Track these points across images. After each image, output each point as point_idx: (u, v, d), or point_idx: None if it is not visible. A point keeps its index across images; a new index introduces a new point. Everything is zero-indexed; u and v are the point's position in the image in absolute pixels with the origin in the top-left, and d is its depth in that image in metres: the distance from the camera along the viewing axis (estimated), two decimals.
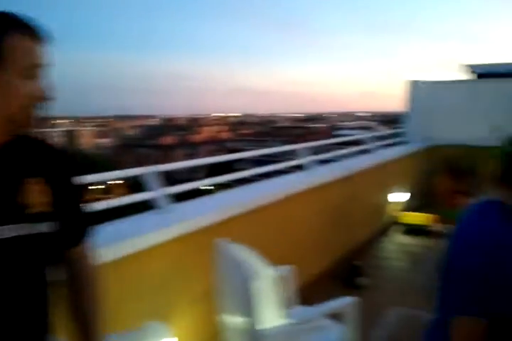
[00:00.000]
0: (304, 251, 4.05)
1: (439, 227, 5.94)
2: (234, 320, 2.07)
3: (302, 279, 3.95)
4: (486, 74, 8.63)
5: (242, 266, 1.93)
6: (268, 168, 4.24)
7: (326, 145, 5.64)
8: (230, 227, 3.02)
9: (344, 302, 2.31)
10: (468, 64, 8.68)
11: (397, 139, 7.69)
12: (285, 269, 2.68)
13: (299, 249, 3.96)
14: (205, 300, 2.58)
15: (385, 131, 8.58)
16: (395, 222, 6.09)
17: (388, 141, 7.35)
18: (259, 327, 1.91)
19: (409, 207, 6.28)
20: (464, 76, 9.07)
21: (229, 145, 57.06)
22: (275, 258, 3.23)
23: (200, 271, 2.65)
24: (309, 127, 69.84)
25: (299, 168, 4.58)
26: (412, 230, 5.87)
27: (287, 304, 2.75)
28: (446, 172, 6.41)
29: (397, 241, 5.65)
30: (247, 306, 1.92)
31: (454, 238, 1.37)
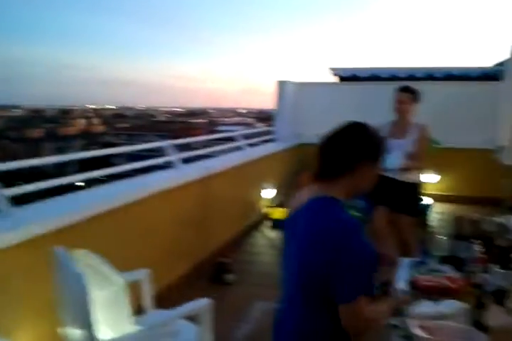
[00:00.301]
0: (168, 251, 3.96)
1: None
2: (74, 333, 1.94)
3: (166, 281, 3.89)
4: (348, 77, 9.26)
5: (77, 276, 1.80)
6: (135, 164, 4.09)
7: (202, 141, 5.63)
8: (83, 230, 2.84)
9: (199, 304, 2.29)
10: (333, 67, 9.23)
11: (268, 137, 7.93)
12: (140, 273, 2.59)
13: (162, 249, 3.86)
14: (51, 312, 2.39)
15: (259, 128, 8.79)
16: (266, 217, 6.27)
17: (259, 139, 7.55)
18: (100, 338, 1.80)
19: (277, 202, 6.50)
20: (332, 78, 9.65)
21: (104, 139, 54.46)
22: (134, 262, 3.11)
23: (44, 282, 2.44)
24: (189, 122, 69.37)
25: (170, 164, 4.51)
26: (280, 224, 6.08)
27: (145, 309, 2.68)
28: (309, 169, 6.77)
29: (266, 236, 5.82)
30: (85, 317, 1.80)
31: (305, 235, 1.50)
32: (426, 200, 6.70)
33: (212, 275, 4.26)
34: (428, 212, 6.56)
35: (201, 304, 2.27)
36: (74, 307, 1.84)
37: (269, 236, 5.84)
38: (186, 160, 4.66)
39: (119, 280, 1.99)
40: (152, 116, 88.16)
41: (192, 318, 2.39)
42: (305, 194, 1.60)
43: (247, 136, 6.71)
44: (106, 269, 2.08)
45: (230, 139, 6.41)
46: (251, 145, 6.79)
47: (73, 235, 2.76)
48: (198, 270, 4.38)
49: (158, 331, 2.14)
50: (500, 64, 7.51)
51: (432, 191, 7.57)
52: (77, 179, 3.38)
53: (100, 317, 2.30)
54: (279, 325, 1.72)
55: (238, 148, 6.30)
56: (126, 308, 2.06)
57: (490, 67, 8.97)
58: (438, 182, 7.79)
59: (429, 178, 7.70)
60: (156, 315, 2.50)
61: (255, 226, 5.98)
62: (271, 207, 6.31)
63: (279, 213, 6.15)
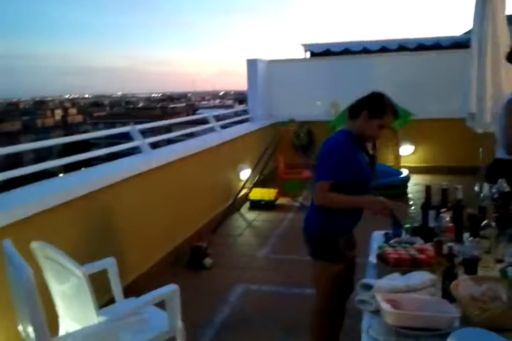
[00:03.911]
0: (142, 238, 3.87)
1: (282, 200, 6.20)
2: (27, 329, 1.85)
3: (142, 268, 3.82)
4: (320, 53, 9.14)
5: (22, 268, 1.71)
6: (99, 152, 3.99)
7: (181, 123, 5.53)
8: (45, 221, 2.74)
9: (166, 290, 2.22)
10: (304, 43, 9.09)
11: (243, 117, 7.83)
12: (106, 262, 2.50)
13: (135, 236, 3.78)
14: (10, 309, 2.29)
15: (232, 109, 8.69)
16: (245, 198, 6.21)
17: (233, 120, 7.45)
18: (58, 334, 1.72)
19: (255, 183, 6.43)
20: (304, 55, 9.51)
21: (82, 129, 53.55)
22: (104, 251, 3.03)
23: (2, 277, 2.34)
24: (168, 107, 68.48)
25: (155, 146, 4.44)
26: (258, 205, 6.04)
27: (116, 298, 2.61)
28: (287, 148, 6.71)
29: (245, 217, 5.77)
30: (34, 311, 1.71)
31: (323, 147, 2.31)
32: (404, 172, 6.71)
33: (190, 260, 4.20)
34: (407, 184, 6.56)
35: (168, 290, 2.20)
36: (23, 301, 1.75)
37: (247, 217, 5.78)
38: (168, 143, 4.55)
39: (79, 271, 1.90)
40: (130, 103, 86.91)
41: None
42: None
43: (220, 118, 6.60)
44: (66, 261, 1.98)
45: (204, 122, 6.30)
46: (225, 126, 6.69)
47: (35, 226, 2.65)
48: (175, 255, 4.32)
49: (124, 320, 2.07)
50: (469, 32, 7.47)
51: (408, 163, 7.58)
52: (41, 168, 3.24)
53: (63, 310, 2.23)
54: None
55: (212, 130, 6.20)
56: (89, 300, 1.97)
57: (460, 36, 8.92)
58: (413, 153, 7.80)
59: (405, 150, 7.72)
60: (123, 305, 2.42)
61: (235, 207, 5.91)
62: (248, 187, 6.24)
63: (256, 193, 6.09)
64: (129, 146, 4.22)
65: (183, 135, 5.69)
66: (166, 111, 60.39)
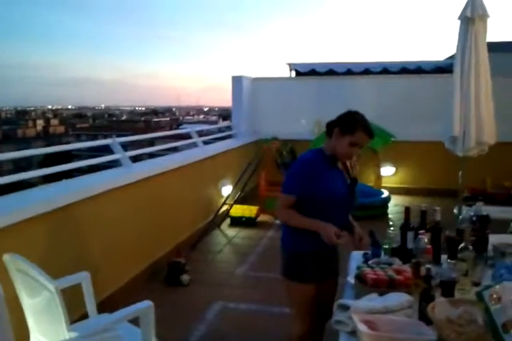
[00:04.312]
0: (119, 253, 3.80)
1: (263, 218, 6.18)
2: None
3: (118, 284, 3.74)
4: (305, 72, 9.26)
5: None
6: (78, 163, 3.94)
7: (164, 138, 5.50)
8: (17, 233, 2.68)
9: (140, 306, 2.17)
10: (289, 62, 9.21)
11: (227, 133, 7.84)
12: (80, 276, 2.44)
13: (111, 251, 3.71)
14: None
15: (216, 125, 8.71)
16: (226, 215, 6.17)
17: (217, 135, 7.45)
18: None
19: (236, 199, 6.41)
20: (290, 74, 9.63)
21: (64, 140, 52.99)
22: (77, 265, 2.96)
23: None
24: (152, 121, 68.27)
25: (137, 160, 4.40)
26: (239, 222, 6.01)
27: (90, 313, 2.54)
28: (269, 165, 6.72)
29: (225, 234, 5.72)
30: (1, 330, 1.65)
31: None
32: (384, 193, 6.76)
33: (167, 276, 4.13)
34: (387, 205, 6.61)
35: (142, 306, 2.15)
36: None
37: (228, 234, 5.74)
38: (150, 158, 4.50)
39: (51, 285, 1.85)
40: (114, 115, 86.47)
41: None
42: None
43: (203, 133, 6.60)
44: (38, 274, 1.93)
45: (188, 137, 6.29)
46: (208, 142, 6.69)
47: (9, 238, 2.59)
48: (153, 271, 4.25)
49: (96, 337, 2.01)
50: (452, 57, 7.66)
51: (389, 184, 7.65)
52: (19, 178, 3.17)
53: (33, 324, 2.16)
54: None
55: (195, 145, 6.19)
56: (61, 314, 1.92)
57: (442, 61, 9.15)
58: (394, 174, 7.88)
59: (386, 171, 7.79)
60: (96, 320, 2.36)
61: (214, 224, 5.87)
62: (229, 204, 6.21)
63: (237, 210, 6.06)
64: (109, 159, 4.17)
65: (165, 149, 5.67)
66: (149, 125, 60.18)
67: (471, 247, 2.17)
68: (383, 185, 7.38)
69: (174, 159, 5.29)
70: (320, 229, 2.17)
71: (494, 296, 1.60)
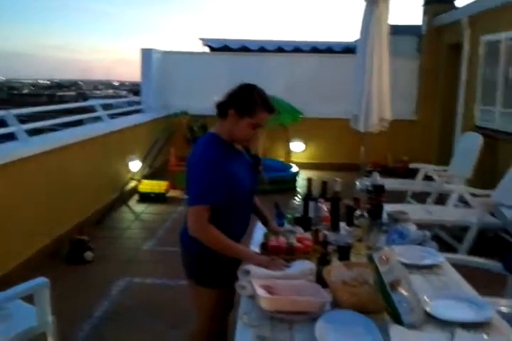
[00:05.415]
0: (14, 229, 3.57)
1: (173, 193, 6.10)
2: None
3: (15, 262, 3.52)
4: (218, 48, 9.15)
5: None
6: None
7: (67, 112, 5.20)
8: None
9: (34, 283, 2.06)
10: (203, 37, 9.05)
11: (136, 107, 7.59)
12: None
13: (10, 227, 3.50)
14: None
15: (123, 98, 8.40)
16: (134, 191, 6.01)
17: (124, 109, 7.18)
18: None
19: (145, 175, 6.26)
20: (202, 49, 9.47)
21: None
22: None
23: None
24: (57, 95, 64.17)
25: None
26: (148, 198, 5.87)
27: None
28: (179, 141, 6.61)
29: (133, 210, 5.58)
30: None
31: (192, 154, 1.96)
32: (294, 168, 6.96)
33: (69, 254, 3.95)
34: (296, 179, 6.80)
35: (36, 283, 2.04)
36: None
37: (136, 210, 5.60)
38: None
39: None
40: (14, 88, 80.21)
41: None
42: None
43: (109, 108, 6.32)
44: None
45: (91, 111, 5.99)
46: (114, 117, 6.42)
47: None
48: (54, 249, 4.04)
49: None
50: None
51: (299, 159, 7.88)
52: None
53: None
54: None
55: (100, 119, 5.90)
56: None
57: (352, 42, 9.46)
58: (304, 150, 8.12)
59: (296, 147, 8.01)
60: None
61: (121, 199, 5.69)
62: (138, 179, 6.05)
63: (146, 186, 5.92)
64: (3, 132, 3.86)
65: (69, 124, 5.35)
66: (53, 99, 56.55)
67: (366, 214, 2.29)
68: (294, 160, 7.57)
69: (76, 133, 5.01)
70: (252, 261, 1.89)
71: (383, 258, 1.69)
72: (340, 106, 6.84)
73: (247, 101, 1.91)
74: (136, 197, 5.97)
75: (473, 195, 4.48)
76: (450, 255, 2.46)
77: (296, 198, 2.65)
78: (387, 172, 6.81)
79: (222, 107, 1.95)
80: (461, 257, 2.93)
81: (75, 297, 3.31)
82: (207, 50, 9.66)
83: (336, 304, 1.66)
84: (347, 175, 4.47)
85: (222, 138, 1.97)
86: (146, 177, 6.08)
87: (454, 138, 6.60)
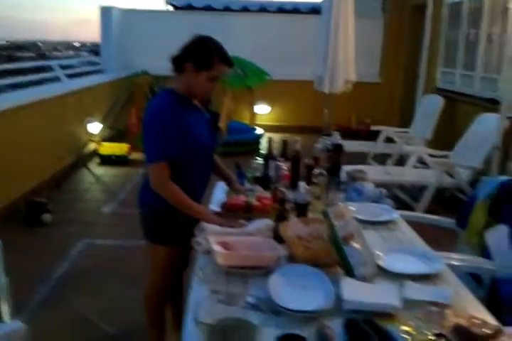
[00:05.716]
0: None
1: (134, 156, 5.99)
2: None
3: None
4: (181, 6, 8.83)
5: None
6: None
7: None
8: None
9: None
10: None
11: (95, 68, 7.31)
12: None
13: None
14: None
15: (82, 58, 8.08)
16: (94, 153, 5.86)
17: (82, 69, 6.91)
18: None
19: (105, 137, 6.10)
20: (165, 7, 9.13)
21: None
22: None
23: None
24: (15, 56, 61.22)
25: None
26: (109, 160, 5.75)
27: None
28: (141, 101, 6.43)
29: (93, 173, 5.47)
30: None
31: (145, 113, 1.89)
32: (258, 130, 6.92)
33: (26, 216, 3.85)
34: (260, 141, 6.78)
35: None
36: None
37: (96, 172, 5.48)
38: None
39: None
40: None
41: None
42: None
43: (68, 68, 6.06)
44: None
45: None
46: (72, 76, 6.16)
47: None
48: (9, 212, 3.93)
49: None
50: None
51: (265, 121, 7.83)
52: None
53: None
54: None
55: (57, 79, 5.66)
56: None
57: (319, 2, 9.27)
58: (270, 113, 8.07)
59: (262, 109, 7.94)
60: None
61: (81, 162, 5.55)
62: (98, 142, 5.89)
63: (106, 148, 5.78)
64: None
65: (28, 85, 5.12)
66: (11, 60, 53.94)
67: (325, 172, 2.29)
68: (259, 122, 7.52)
69: (31, 93, 4.80)
70: (209, 221, 1.86)
71: (338, 214, 1.71)
72: (307, 68, 6.75)
73: (204, 54, 1.84)
74: (96, 159, 5.84)
75: (432, 156, 4.55)
76: (405, 212, 2.51)
77: (257, 158, 2.63)
78: (350, 134, 6.85)
79: (178, 61, 1.87)
80: (416, 214, 3.02)
81: (34, 260, 3.25)
82: (170, 8, 9.32)
83: (291, 259, 1.68)
84: (310, 138, 4.47)
85: (178, 93, 1.91)
86: (107, 139, 5.92)
87: (416, 100, 6.67)
